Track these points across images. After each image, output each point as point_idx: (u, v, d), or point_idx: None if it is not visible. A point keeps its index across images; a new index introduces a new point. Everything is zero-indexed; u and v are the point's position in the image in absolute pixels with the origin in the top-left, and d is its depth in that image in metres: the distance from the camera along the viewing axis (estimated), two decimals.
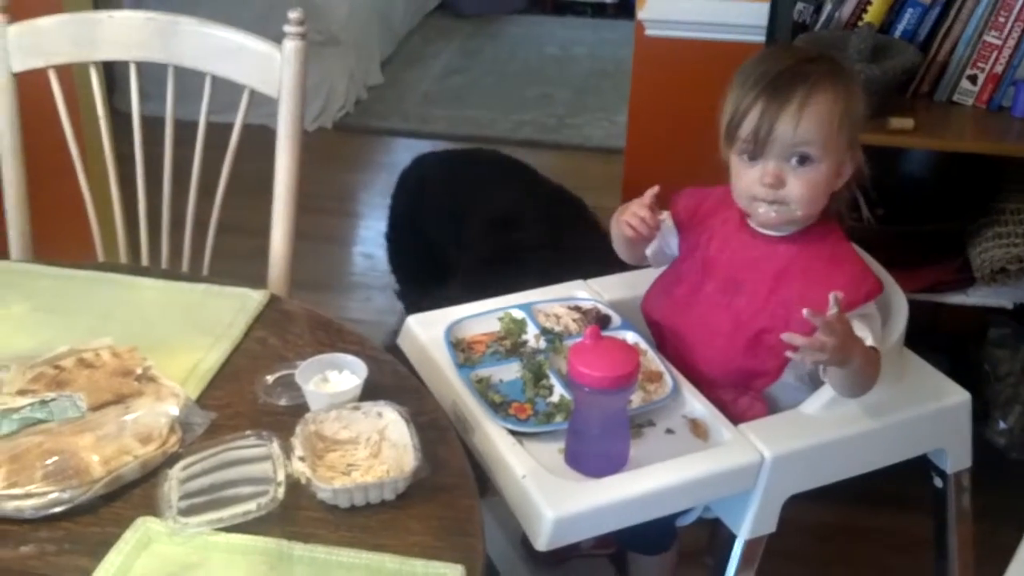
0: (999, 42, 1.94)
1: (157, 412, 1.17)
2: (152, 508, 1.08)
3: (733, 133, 1.34)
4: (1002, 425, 2.20)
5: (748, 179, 1.35)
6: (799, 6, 2.05)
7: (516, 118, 4.16)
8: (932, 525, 1.57)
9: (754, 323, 1.37)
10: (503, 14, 5.31)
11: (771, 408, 1.39)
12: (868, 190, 1.40)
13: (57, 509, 1.08)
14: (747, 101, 1.32)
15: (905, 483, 1.52)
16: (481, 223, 2.27)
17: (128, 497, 1.11)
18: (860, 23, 1.99)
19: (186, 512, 1.07)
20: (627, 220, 1.42)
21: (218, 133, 1.64)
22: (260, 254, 1.66)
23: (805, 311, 1.20)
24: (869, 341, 1.29)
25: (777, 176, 1.33)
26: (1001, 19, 1.94)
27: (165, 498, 1.08)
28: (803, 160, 1.32)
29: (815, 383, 1.37)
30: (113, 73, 3.44)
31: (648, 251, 1.52)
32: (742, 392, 1.40)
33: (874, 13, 2.00)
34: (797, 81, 1.31)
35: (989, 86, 1.97)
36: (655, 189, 1.42)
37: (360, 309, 2.93)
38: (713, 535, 1.77)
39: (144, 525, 1.06)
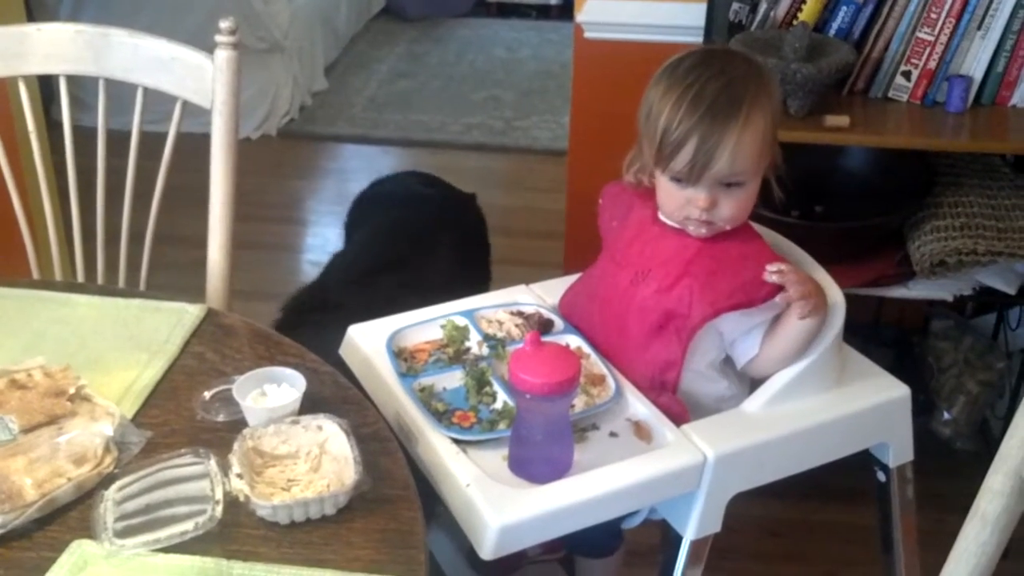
0: (931, 38, 1.97)
1: (91, 432, 1.15)
2: (87, 531, 1.06)
3: (666, 160, 1.33)
4: (947, 416, 2.23)
5: (679, 200, 1.35)
6: (735, 6, 2.07)
7: (464, 121, 4.15)
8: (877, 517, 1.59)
9: (659, 307, 1.37)
10: (448, 17, 5.31)
11: (690, 404, 1.38)
12: (784, 180, 1.42)
13: None
14: (681, 131, 1.29)
15: (854, 476, 1.54)
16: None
17: (63, 520, 1.09)
18: (795, 22, 2.01)
19: (122, 534, 1.05)
20: None
21: (160, 142, 1.62)
22: (201, 265, 1.64)
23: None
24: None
25: (711, 201, 1.33)
26: (933, 15, 1.96)
27: (100, 520, 1.06)
28: (734, 184, 1.33)
29: (727, 373, 1.40)
30: (52, 83, 3.38)
31: None
32: (659, 392, 1.39)
33: (808, 12, 2.01)
34: (732, 110, 1.29)
35: (923, 82, 2.00)
36: None
37: None
38: (666, 533, 1.77)
39: (80, 548, 1.04)
